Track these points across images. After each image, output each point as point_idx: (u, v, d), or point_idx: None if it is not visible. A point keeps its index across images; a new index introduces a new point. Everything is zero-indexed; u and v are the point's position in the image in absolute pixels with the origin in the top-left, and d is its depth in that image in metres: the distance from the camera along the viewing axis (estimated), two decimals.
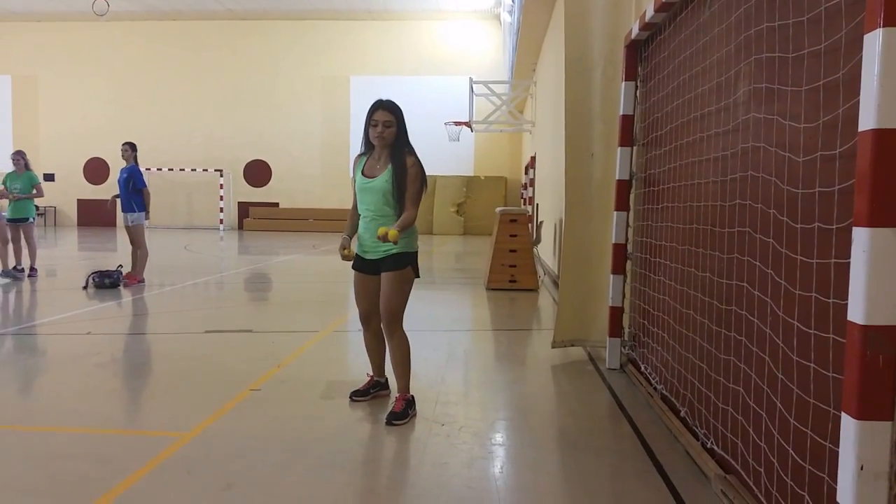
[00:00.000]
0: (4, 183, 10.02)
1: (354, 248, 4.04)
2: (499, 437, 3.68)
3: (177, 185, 27.61)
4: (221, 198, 27.19)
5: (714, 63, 3.34)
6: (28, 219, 10.09)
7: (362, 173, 3.95)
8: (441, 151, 22.84)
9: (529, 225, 10.32)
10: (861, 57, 1.76)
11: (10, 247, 10.01)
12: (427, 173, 3.99)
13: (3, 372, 4.87)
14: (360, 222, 4.00)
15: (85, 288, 8.93)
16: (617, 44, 5.12)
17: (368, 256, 3.96)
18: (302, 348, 5.71)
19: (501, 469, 3.24)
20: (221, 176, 27.19)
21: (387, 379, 4.31)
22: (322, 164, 27.11)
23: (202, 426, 3.69)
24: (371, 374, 4.31)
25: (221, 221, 27.14)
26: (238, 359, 5.35)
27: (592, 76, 5.26)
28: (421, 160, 3.93)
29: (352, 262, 4.04)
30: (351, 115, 26.40)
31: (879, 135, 1.68)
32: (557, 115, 9.74)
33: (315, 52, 26.91)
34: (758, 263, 2.71)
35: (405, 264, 3.89)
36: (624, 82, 4.88)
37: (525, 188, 21.68)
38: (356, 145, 19.88)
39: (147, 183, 9.64)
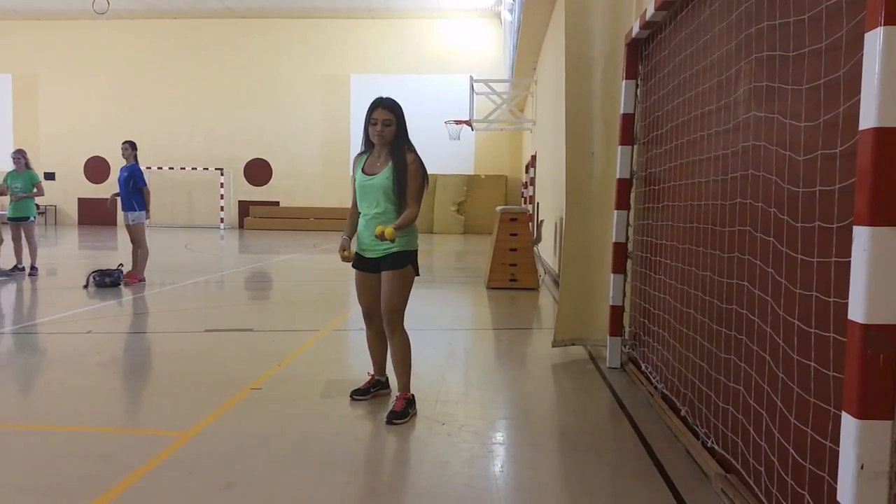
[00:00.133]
0: (5, 181, 10.03)
1: (354, 247, 4.04)
2: (499, 436, 3.68)
3: (177, 183, 27.62)
4: (222, 196, 27.20)
5: (714, 61, 3.34)
6: (29, 218, 10.11)
7: (363, 171, 3.94)
8: (441, 150, 22.83)
9: (530, 224, 10.32)
10: (862, 55, 1.76)
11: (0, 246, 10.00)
12: (427, 172, 3.99)
13: (3, 371, 4.87)
14: (360, 220, 3.99)
15: (85, 287, 8.94)
16: (617, 42, 5.12)
17: (368, 255, 3.96)
18: (302, 347, 5.71)
19: (502, 468, 3.24)
20: (222, 175, 27.19)
21: (387, 378, 4.31)
22: (322, 163, 27.11)
23: (202, 425, 3.69)
24: (372, 372, 4.31)
25: (222, 220, 27.15)
26: (238, 358, 5.35)
27: (593, 75, 5.26)
28: (421, 158, 3.93)
29: (352, 262, 4.04)
30: (351, 114, 26.40)
31: (880, 133, 1.68)
32: (558, 114, 9.74)
33: (315, 51, 26.90)
34: (758, 262, 2.71)
35: (405, 263, 3.89)
36: (624, 81, 4.87)
37: (525, 187, 21.68)
38: (357, 144, 19.84)
39: (147, 182, 9.65)
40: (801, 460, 2.26)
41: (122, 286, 9.07)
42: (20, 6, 26.20)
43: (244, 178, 27.63)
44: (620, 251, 4.98)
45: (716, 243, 3.23)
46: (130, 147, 9.42)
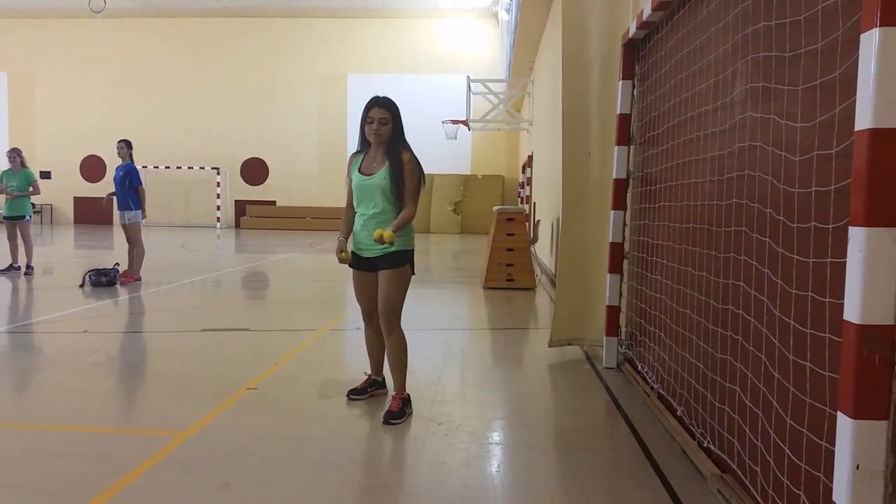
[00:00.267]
0: (2, 180, 10.01)
1: (350, 248, 4.04)
2: (496, 436, 3.68)
3: (174, 182, 27.56)
4: (218, 196, 27.14)
5: (711, 62, 3.35)
6: (25, 216, 10.09)
7: (359, 171, 3.94)
8: (438, 150, 22.82)
9: (526, 224, 10.32)
10: (858, 56, 1.76)
11: None
12: (424, 171, 3.99)
13: None
14: (357, 220, 3.99)
15: (81, 286, 8.91)
16: (614, 42, 5.12)
17: (365, 254, 3.96)
18: (299, 347, 5.71)
19: (498, 468, 3.24)
20: (218, 174, 27.13)
21: (384, 378, 4.31)
22: (319, 162, 27.07)
23: (199, 425, 3.69)
24: (369, 372, 4.31)
25: (218, 219, 27.09)
26: (235, 357, 5.34)
27: (590, 75, 5.26)
28: (417, 157, 3.93)
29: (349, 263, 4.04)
30: (348, 114, 26.36)
31: (876, 134, 1.69)
32: (555, 114, 9.74)
33: (313, 50, 26.87)
34: (754, 263, 2.71)
35: (402, 262, 3.90)
36: (621, 81, 4.88)
37: (522, 187, 21.69)
38: (353, 143, 19.79)
39: (143, 181, 9.62)
40: (796, 460, 2.27)
41: (118, 285, 9.05)
42: (17, 4, 26.12)
43: (241, 178, 27.58)
44: (617, 251, 4.99)
45: (712, 243, 3.24)
46: (126, 146, 9.40)
